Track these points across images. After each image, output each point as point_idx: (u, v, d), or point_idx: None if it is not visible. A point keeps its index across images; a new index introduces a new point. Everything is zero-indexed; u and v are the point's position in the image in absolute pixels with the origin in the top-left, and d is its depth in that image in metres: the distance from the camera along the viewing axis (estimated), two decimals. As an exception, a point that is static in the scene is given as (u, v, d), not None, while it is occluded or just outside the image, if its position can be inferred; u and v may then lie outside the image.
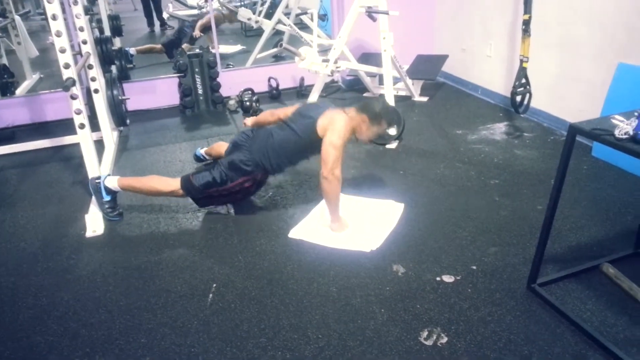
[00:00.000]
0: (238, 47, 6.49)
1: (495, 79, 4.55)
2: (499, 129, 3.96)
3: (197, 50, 4.65)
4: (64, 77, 2.76)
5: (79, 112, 2.84)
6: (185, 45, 5.82)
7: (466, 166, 3.37)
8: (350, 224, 2.70)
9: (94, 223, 2.77)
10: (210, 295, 2.24)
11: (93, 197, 2.90)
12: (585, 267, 2.25)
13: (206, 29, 5.99)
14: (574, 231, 2.58)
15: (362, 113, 2.69)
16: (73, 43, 3.81)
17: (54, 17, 2.66)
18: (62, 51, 2.75)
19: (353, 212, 2.83)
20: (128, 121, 4.05)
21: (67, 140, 3.85)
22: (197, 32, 6.12)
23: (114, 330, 2.06)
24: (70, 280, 2.39)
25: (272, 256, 2.50)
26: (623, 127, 1.68)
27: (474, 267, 2.34)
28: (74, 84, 2.76)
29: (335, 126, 2.61)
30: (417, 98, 4.72)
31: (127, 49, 5.86)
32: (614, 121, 1.76)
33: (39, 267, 2.50)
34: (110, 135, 3.72)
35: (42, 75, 5.36)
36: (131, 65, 5.78)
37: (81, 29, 3.47)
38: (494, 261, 2.38)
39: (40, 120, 4.42)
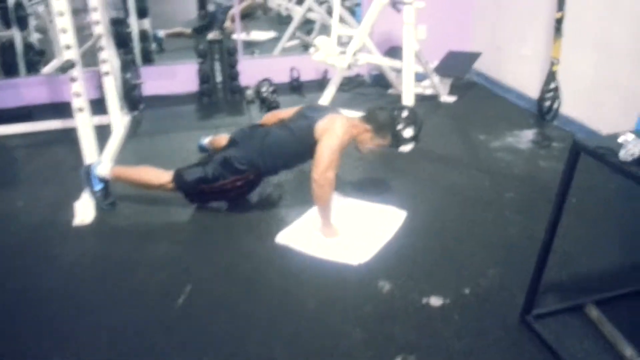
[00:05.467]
0: (271, 34, 6.33)
1: (529, 81, 4.22)
2: (525, 137, 3.67)
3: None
4: (64, 59, 2.71)
5: (78, 95, 2.79)
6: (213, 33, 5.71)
7: (482, 175, 3.13)
8: (341, 231, 2.53)
9: (84, 211, 2.70)
10: (181, 298, 2.14)
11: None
12: (590, 300, 2.00)
13: (242, 16, 5.85)
14: (586, 256, 2.34)
15: (366, 122, 2.59)
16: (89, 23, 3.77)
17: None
18: (64, 32, 2.70)
19: (349, 217, 2.66)
20: (142, 106, 3.99)
21: (80, 122, 3.82)
22: (228, 23, 6.00)
23: (77, 326, 2.00)
24: (47, 270, 2.34)
25: (255, 259, 2.38)
26: (630, 148, 1.45)
27: (467, 291, 2.13)
28: (72, 66, 2.71)
29: (335, 129, 2.50)
30: (445, 98, 4.45)
31: (156, 31, 5.81)
32: (622, 140, 1.52)
33: (24, 252, 2.46)
34: (119, 120, 3.68)
35: (71, 55, 5.38)
36: (160, 49, 5.72)
37: (94, 9, 3.42)
38: (490, 285, 2.17)
39: (59, 101, 4.41)
